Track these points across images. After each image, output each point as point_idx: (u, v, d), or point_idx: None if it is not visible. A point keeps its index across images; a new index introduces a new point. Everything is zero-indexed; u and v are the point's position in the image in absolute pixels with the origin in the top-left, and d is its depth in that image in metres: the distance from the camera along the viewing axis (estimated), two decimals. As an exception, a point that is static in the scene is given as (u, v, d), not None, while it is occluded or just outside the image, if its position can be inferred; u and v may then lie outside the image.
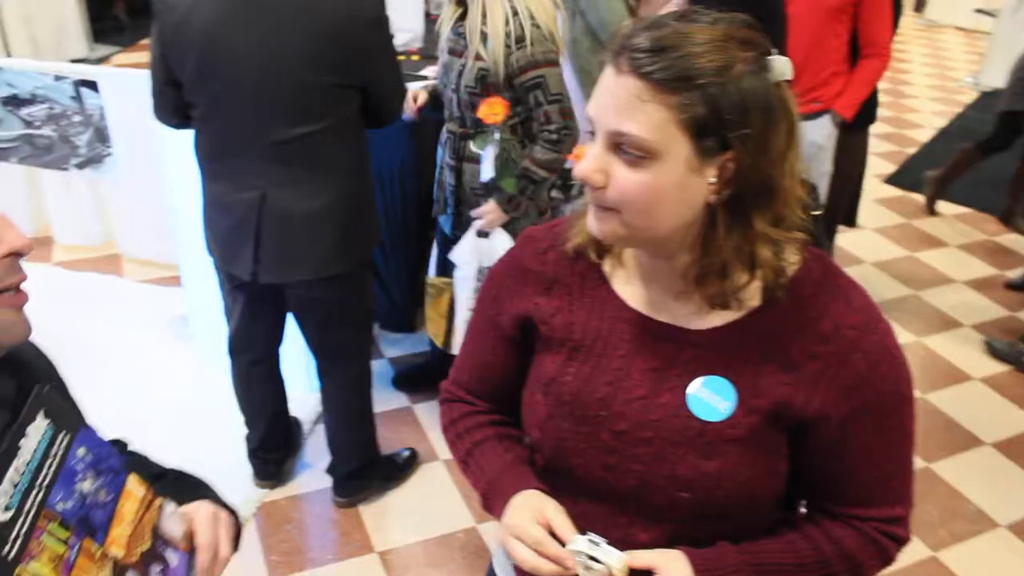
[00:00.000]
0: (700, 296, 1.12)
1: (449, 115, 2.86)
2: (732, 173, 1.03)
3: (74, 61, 5.81)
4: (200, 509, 1.19)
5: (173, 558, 1.14)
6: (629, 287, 1.19)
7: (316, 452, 3.09)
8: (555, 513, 1.16)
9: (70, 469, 1.01)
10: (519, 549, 1.14)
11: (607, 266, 1.21)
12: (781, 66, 1.03)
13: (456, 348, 2.98)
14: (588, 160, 1.05)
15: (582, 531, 1.15)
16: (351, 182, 2.43)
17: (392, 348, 3.70)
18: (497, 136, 2.62)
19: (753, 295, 1.13)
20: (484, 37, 2.62)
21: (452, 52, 2.78)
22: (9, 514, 0.92)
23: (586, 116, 1.09)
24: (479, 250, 2.80)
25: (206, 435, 3.11)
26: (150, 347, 3.61)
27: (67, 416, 1.02)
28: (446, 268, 3.10)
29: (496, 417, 1.35)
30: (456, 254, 2.81)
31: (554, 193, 3.37)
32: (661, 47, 0.99)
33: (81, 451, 1.03)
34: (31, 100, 3.82)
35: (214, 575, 1.18)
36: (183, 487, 1.25)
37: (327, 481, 2.94)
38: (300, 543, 2.81)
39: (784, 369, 1.11)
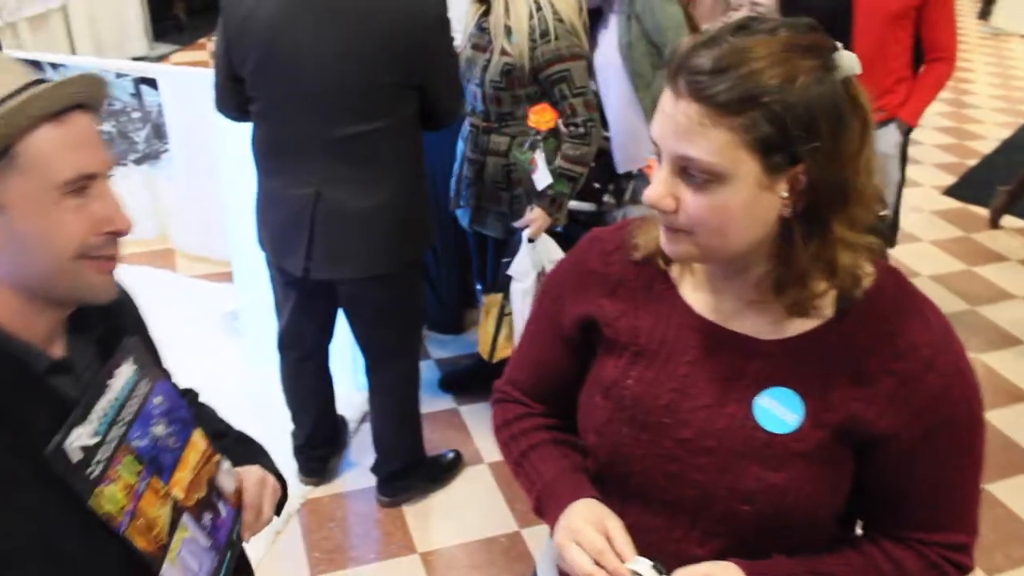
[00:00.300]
0: (778, 305, 1.09)
1: (472, 109, 2.87)
2: (804, 184, 1.00)
3: (134, 59, 5.92)
4: (251, 472, 1.28)
5: (223, 510, 1.22)
6: (698, 294, 1.17)
7: (361, 451, 3.10)
8: (616, 528, 1.14)
9: (147, 413, 1.13)
10: (577, 555, 1.12)
11: (675, 272, 1.19)
12: (848, 62, 1.00)
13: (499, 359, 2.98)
14: (656, 186, 1.03)
15: (642, 551, 1.13)
16: (406, 182, 2.43)
17: (440, 350, 3.70)
18: (541, 143, 2.62)
19: (826, 306, 1.10)
20: (508, 31, 2.62)
21: (476, 47, 2.80)
22: (96, 439, 1.04)
23: (651, 135, 1.07)
24: (534, 258, 2.79)
25: (252, 430, 3.10)
26: (200, 341, 3.65)
27: (150, 367, 1.16)
28: (487, 275, 3.10)
29: (551, 421, 1.33)
30: (515, 268, 2.81)
31: (606, 198, 3.35)
32: (720, 68, 0.97)
33: (158, 399, 1.16)
34: (92, 96, 3.89)
35: (255, 531, 1.28)
36: (241, 448, 1.35)
37: (371, 480, 2.95)
38: (342, 541, 2.81)
39: (856, 384, 1.08)
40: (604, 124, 3.27)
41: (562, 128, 2.72)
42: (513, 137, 2.75)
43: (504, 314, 2.94)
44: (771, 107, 0.96)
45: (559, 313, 1.27)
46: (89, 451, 1.03)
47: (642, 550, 1.12)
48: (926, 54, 3.40)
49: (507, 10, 2.62)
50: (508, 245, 2.90)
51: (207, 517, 1.18)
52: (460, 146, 2.94)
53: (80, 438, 1.02)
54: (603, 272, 1.22)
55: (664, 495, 1.15)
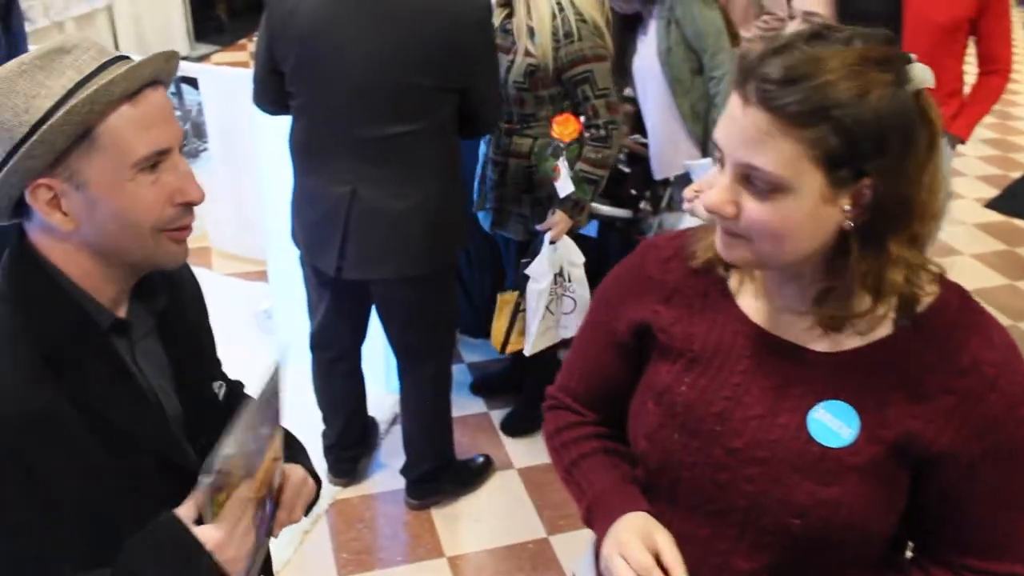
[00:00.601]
0: (815, 317, 1.07)
1: None
2: (869, 199, 0.99)
3: (176, 58, 5.97)
4: (295, 471, 1.30)
5: (268, 506, 1.23)
6: (755, 303, 1.16)
7: (391, 452, 3.09)
8: (666, 543, 1.13)
9: (265, 415, 1.16)
10: (624, 571, 1.11)
11: (734, 281, 1.18)
12: (921, 74, 0.98)
13: (518, 352, 2.96)
14: (717, 191, 1.02)
15: (688, 560, 1.11)
16: (441, 185, 2.43)
17: (472, 353, 3.69)
18: (564, 151, 2.61)
19: (884, 321, 1.08)
20: (531, 32, 2.61)
21: (499, 49, 2.77)
22: (234, 451, 1.07)
23: (713, 141, 1.05)
24: (553, 260, 2.79)
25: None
26: (233, 339, 3.63)
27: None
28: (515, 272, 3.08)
29: (602, 429, 1.32)
30: (533, 268, 2.80)
31: (642, 205, 3.33)
32: (792, 77, 0.95)
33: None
34: (134, 94, 3.94)
35: (282, 528, 1.29)
36: (287, 446, 1.34)
37: (400, 482, 2.94)
38: (370, 542, 2.81)
39: (914, 400, 1.06)
40: (642, 130, 3.26)
41: (584, 132, 2.70)
42: (535, 139, 2.74)
43: (519, 311, 2.93)
44: (842, 121, 0.94)
45: (614, 319, 1.26)
46: (224, 463, 1.07)
47: (687, 559, 1.11)
48: (980, 66, 3.34)
49: (529, 11, 2.61)
50: (530, 246, 2.89)
51: (259, 514, 1.19)
52: (482, 148, 2.94)
53: (226, 447, 1.06)
54: (659, 279, 1.22)
55: (712, 504, 1.14)
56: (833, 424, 1.08)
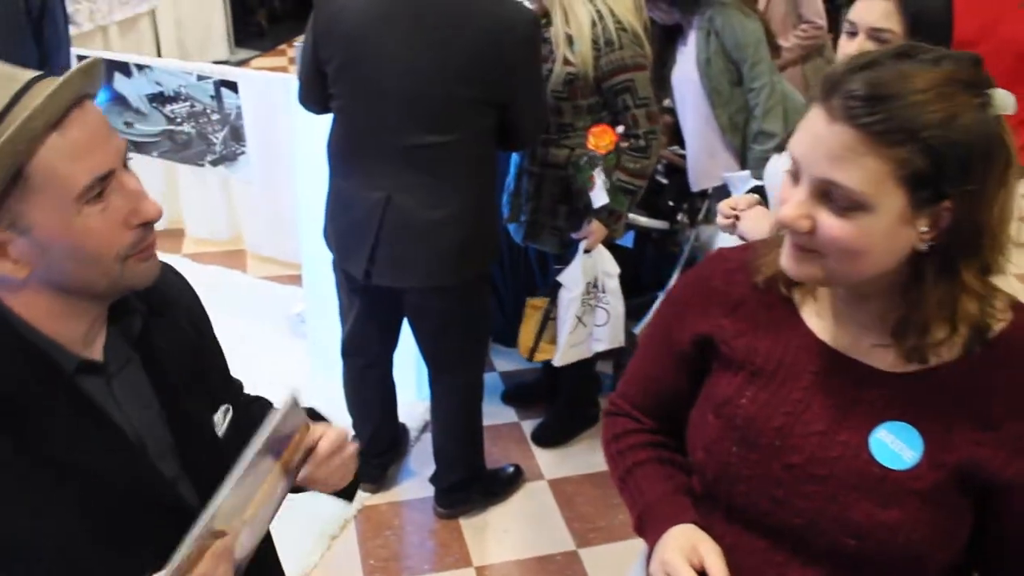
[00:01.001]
0: (896, 348, 1.06)
1: None
2: (948, 222, 0.97)
3: (216, 63, 6.04)
4: (332, 432, 1.22)
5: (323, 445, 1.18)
6: (819, 319, 1.15)
7: (421, 460, 3.08)
8: (711, 555, 1.12)
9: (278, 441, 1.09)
10: None
11: (797, 297, 1.17)
12: (1002, 100, 0.97)
13: (547, 360, 2.94)
14: (793, 206, 1.00)
15: (743, 572, 1.11)
16: (476, 196, 2.42)
17: (504, 362, 3.67)
18: (601, 162, 2.59)
19: (953, 345, 1.05)
20: (569, 40, 2.59)
21: None
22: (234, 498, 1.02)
23: (790, 154, 1.03)
24: (586, 269, 2.77)
25: (315, 434, 3.13)
26: (266, 342, 3.68)
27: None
28: (546, 282, 3.06)
29: (659, 438, 1.33)
30: (566, 276, 2.78)
31: (680, 217, 3.30)
32: (879, 95, 0.94)
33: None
34: (175, 98, 3.98)
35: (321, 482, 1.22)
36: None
37: (429, 490, 2.93)
38: (398, 550, 2.80)
39: (981, 427, 1.03)
40: (680, 141, 3.23)
41: (621, 143, 2.68)
42: (572, 149, 2.71)
43: (549, 318, 2.91)
44: (930, 143, 0.93)
45: (677, 329, 1.26)
46: (225, 508, 1.01)
47: (741, 572, 1.12)
48: None
49: (567, 19, 2.59)
50: (564, 256, 2.87)
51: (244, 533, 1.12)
52: (515, 158, 2.91)
53: (219, 504, 1.00)
54: (725, 291, 1.21)
55: (768, 519, 1.13)
56: (895, 446, 1.06)
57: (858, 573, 1.09)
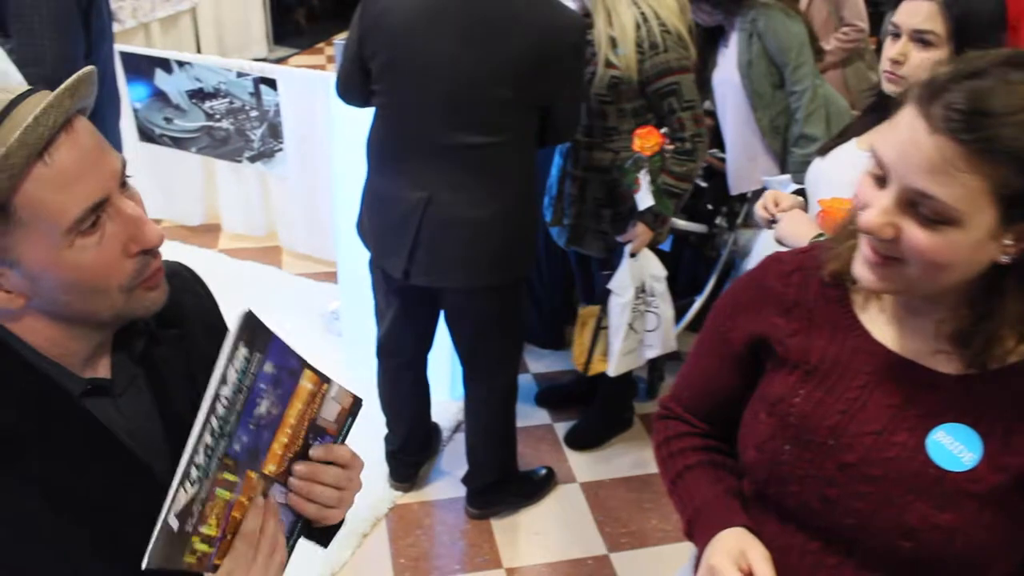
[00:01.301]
0: (959, 354, 1.04)
1: None
2: None
3: (254, 60, 6.09)
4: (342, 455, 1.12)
5: (318, 451, 1.09)
6: (879, 319, 1.13)
7: (453, 460, 3.07)
8: (760, 560, 1.11)
9: (255, 395, 0.98)
10: None
11: (860, 297, 1.15)
12: None
13: (603, 371, 2.92)
14: (878, 213, 0.98)
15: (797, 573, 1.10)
16: (517, 198, 2.42)
17: (538, 364, 3.66)
18: (646, 164, 2.56)
19: (1017, 352, 1.03)
20: (613, 42, 2.56)
21: None
22: (195, 488, 0.93)
23: (872, 156, 1.00)
24: (634, 273, 2.74)
25: (347, 431, 3.14)
26: (300, 339, 3.65)
27: (259, 333, 0.98)
28: (590, 292, 3.04)
29: (711, 442, 1.32)
30: (615, 282, 2.76)
31: (718, 220, 3.26)
32: (983, 111, 0.91)
33: (268, 366, 0.99)
34: (214, 94, 4.01)
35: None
36: None
37: (461, 490, 2.92)
38: (428, 549, 2.79)
39: None
40: (720, 144, 3.20)
41: (667, 145, 2.65)
42: (616, 153, 2.69)
43: (600, 328, 2.88)
44: None
45: (731, 330, 1.25)
46: (186, 508, 0.93)
47: (795, 573, 1.12)
48: None
49: (610, 21, 2.57)
50: (610, 261, 2.84)
51: (295, 467, 1.08)
52: (558, 161, 2.90)
53: (179, 502, 0.91)
54: (780, 292, 1.20)
55: (820, 520, 1.12)
56: (954, 448, 1.04)
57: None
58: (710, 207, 3.27)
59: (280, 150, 3.99)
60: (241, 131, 4.04)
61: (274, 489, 1.06)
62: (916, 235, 0.96)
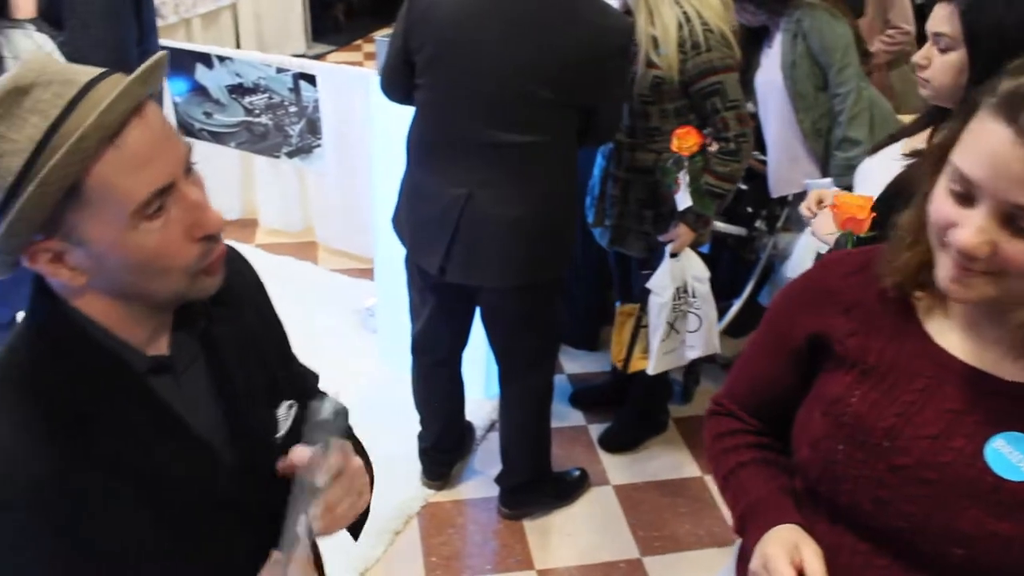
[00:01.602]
0: None
1: None
2: None
3: (293, 56, 6.13)
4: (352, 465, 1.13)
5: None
6: (944, 325, 1.11)
7: (487, 459, 3.07)
8: (811, 557, 1.12)
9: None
10: None
11: (924, 304, 1.13)
12: None
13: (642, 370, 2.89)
14: (973, 232, 0.95)
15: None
16: (556, 197, 2.41)
17: (573, 364, 3.64)
18: (686, 164, 2.54)
19: None
20: (654, 42, 2.54)
21: None
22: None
23: (953, 173, 0.98)
24: (674, 273, 2.71)
25: (379, 427, 3.12)
26: (335, 334, 3.70)
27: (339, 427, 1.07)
28: (628, 292, 3.02)
29: (764, 439, 1.32)
30: (655, 281, 2.74)
31: (758, 224, 3.23)
32: None
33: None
34: (254, 89, 4.03)
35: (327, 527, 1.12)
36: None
37: (494, 490, 2.91)
38: (460, 548, 2.78)
39: None
40: (761, 146, 3.16)
41: (710, 145, 2.62)
42: (659, 154, 2.66)
43: (640, 326, 2.86)
44: None
45: (789, 327, 1.25)
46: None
47: (844, 573, 1.12)
48: None
49: (652, 20, 2.54)
50: (650, 260, 2.82)
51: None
52: (600, 162, 2.87)
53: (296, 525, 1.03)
54: (840, 291, 1.19)
55: (871, 521, 1.11)
56: (1013, 457, 1.03)
57: None
58: (750, 210, 3.23)
59: (318, 146, 4.00)
60: (280, 126, 4.06)
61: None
62: (1014, 249, 0.94)
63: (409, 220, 2.52)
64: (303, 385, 1.26)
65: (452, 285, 2.48)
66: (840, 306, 1.18)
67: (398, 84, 2.42)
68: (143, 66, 0.95)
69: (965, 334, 1.09)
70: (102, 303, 1.00)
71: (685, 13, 2.53)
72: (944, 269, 1.01)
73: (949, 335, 1.10)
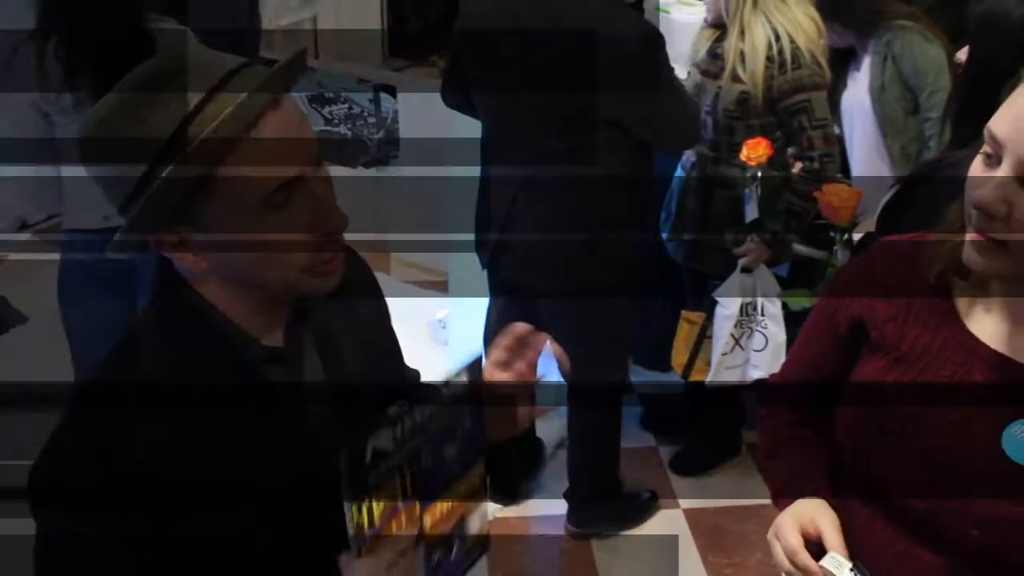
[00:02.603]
0: None
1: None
2: None
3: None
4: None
5: (454, 552, 1.11)
6: (984, 318, 1.13)
7: (555, 476, 3.04)
8: (828, 526, 1.17)
9: (450, 430, 1.05)
10: (775, 550, 1.20)
11: (965, 298, 1.14)
12: None
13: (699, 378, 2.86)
14: (991, 188, 0.96)
15: (869, 554, 1.15)
16: (605, 204, 2.44)
17: (644, 384, 3.60)
18: (759, 175, 2.51)
19: None
20: (742, 56, 2.53)
21: (706, 74, 2.72)
22: (390, 447, 0.95)
23: (989, 135, 0.98)
24: (744, 288, 2.67)
25: (450, 440, 3.15)
26: (406, 346, 3.68)
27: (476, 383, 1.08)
28: (698, 304, 2.99)
29: (811, 419, 1.35)
30: (722, 291, 2.71)
31: (836, 248, 3.16)
32: None
33: (467, 420, 1.08)
34: (334, 99, 4.10)
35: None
36: None
37: (562, 507, 2.89)
38: (527, 565, 2.78)
39: None
40: (846, 170, 3.11)
41: (793, 165, 2.59)
42: (743, 168, 2.64)
43: (705, 336, 2.82)
44: None
45: (836, 311, 1.27)
46: (378, 456, 0.95)
47: (869, 548, 1.16)
48: None
49: (742, 36, 2.54)
50: (725, 273, 2.79)
51: (436, 554, 1.08)
52: (679, 173, 2.86)
53: (380, 439, 0.94)
54: (883, 276, 1.22)
55: (895, 502, 1.16)
56: None
57: (982, 569, 1.10)
58: (832, 234, 3.17)
59: (395, 157, 4.05)
60: (358, 137, 4.11)
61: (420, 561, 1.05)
62: None
63: (478, 212, 2.64)
64: (409, 386, 1.28)
65: (517, 296, 2.55)
66: (881, 290, 1.20)
67: (454, 91, 2.57)
68: (285, 59, 0.96)
69: (1002, 322, 1.10)
70: (222, 290, 1.01)
71: (775, 31, 2.51)
72: (968, 239, 1.02)
73: (985, 322, 1.12)
